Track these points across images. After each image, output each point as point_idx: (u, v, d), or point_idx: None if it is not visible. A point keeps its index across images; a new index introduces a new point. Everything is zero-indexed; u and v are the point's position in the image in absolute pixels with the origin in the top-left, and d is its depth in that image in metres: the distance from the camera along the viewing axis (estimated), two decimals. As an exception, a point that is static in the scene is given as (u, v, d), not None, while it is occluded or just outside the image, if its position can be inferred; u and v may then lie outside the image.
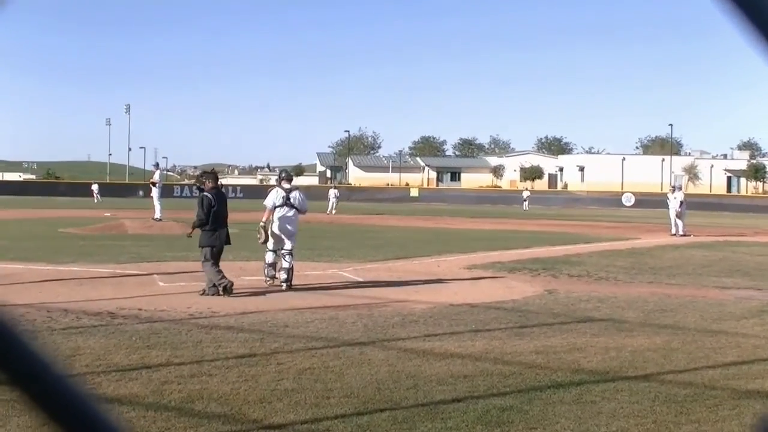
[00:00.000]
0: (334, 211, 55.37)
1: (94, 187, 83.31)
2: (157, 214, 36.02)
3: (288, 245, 16.56)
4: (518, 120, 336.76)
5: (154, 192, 37.36)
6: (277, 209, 16.65)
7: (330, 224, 42.16)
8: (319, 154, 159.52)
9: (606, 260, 23.46)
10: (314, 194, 60.53)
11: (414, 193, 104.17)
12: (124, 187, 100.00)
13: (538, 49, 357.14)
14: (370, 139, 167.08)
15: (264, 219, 16.87)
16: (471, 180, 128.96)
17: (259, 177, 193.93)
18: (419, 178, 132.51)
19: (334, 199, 57.80)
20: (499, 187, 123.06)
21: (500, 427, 7.32)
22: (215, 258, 15.12)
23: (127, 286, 15.80)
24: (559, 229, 41.52)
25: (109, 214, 46.37)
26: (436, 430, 7.19)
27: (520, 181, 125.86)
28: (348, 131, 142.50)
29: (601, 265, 21.82)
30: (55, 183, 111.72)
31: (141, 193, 36.93)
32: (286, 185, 17.04)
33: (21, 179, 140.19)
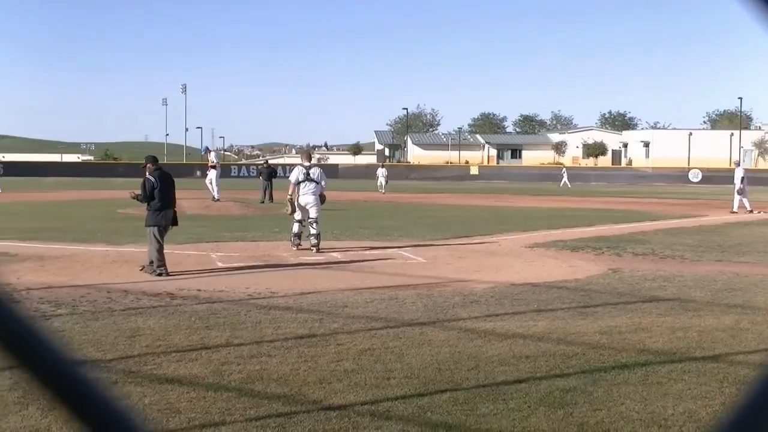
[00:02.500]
0: (383, 191, 54.59)
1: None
2: (216, 195, 36.21)
3: (313, 214, 19.02)
4: (581, 95, 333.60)
5: (212, 174, 37.47)
6: (300, 184, 19.17)
7: (388, 203, 42.09)
8: (377, 132, 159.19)
9: (672, 238, 23.03)
10: (372, 173, 60.54)
11: (474, 171, 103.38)
12: (182, 167, 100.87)
13: (602, 21, 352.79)
14: (428, 116, 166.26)
15: (289, 193, 19.36)
16: (532, 157, 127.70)
17: (317, 156, 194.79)
18: (479, 156, 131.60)
19: (383, 179, 56.88)
20: (561, 164, 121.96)
21: (563, 409, 7.15)
22: (161, 237, 15.13)
23: (185, 267, 15.82)
24: (623, 206, 40.91)
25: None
26: (497, 412, 7.04)
27: (583, 157, 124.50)
28: (406, 109, 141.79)
29: (667, 243, 21.42)
30: (113, 164, 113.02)
31: (198, 173, 37.13)
32: (307, 162, 19.91)
33: (79, 160, 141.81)
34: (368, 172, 73.55)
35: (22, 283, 13.48)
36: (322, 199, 19.57)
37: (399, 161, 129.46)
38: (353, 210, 35.31)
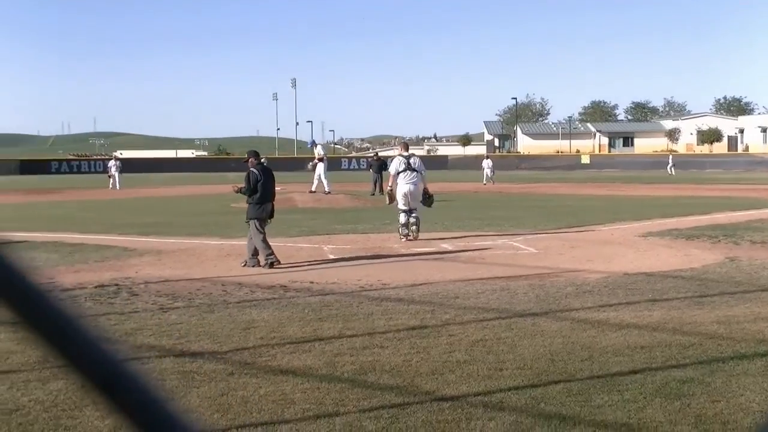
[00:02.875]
0: (489, 182, 53.81)
1: (263, 161, 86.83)
2: (326, 188, 36.55)
3: (414, 203, 19.51)
4: (694, 81, 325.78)
5: (321, 167, 37.81)
6: (401, 174, 19.70)
7: (498, 194, 41.88)
8: (486, 123, 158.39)
9: (791, 225, 22.34)
10: (481, 163, 59.87)
11: (585, 159, 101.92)
12: (292, 161, 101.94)
13: (716, 3, 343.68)
14: (538, 105, 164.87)
15: (390, 185, 20.59)
16: (645, 145, 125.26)
17: (426, 148, 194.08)
18: (590, 145, 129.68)
19: (488, 170, 56.09)
20: (675, 151, 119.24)
21: (680, 400, 7.01)
22: (263, 228, 15.38)
23: (298, 259, 16.01)
24: (740, 193, 39.86)
25: (279, 189, 47.43)
26: (612, 403, 6.94)
27: (697, 144, 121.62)
28: (515, 98, 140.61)
29: (786, 231, 20.79)
30: (225, 159, 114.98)
31: (309, 166, 37.66)
32: (405, 152, 20.35)
33: (193, 156, 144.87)
34: (478, 162, 73.12)
35: (140, 277, 13.83)
36: (429, 198, 20.17)
37: (509, 151, 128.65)
38: (463, 201, 35.24)
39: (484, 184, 52.42)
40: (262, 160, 16.60)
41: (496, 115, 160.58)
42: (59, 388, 7.23)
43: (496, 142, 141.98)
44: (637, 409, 6.79)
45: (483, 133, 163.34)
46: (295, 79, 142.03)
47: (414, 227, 19.36)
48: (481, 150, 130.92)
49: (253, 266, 15.06)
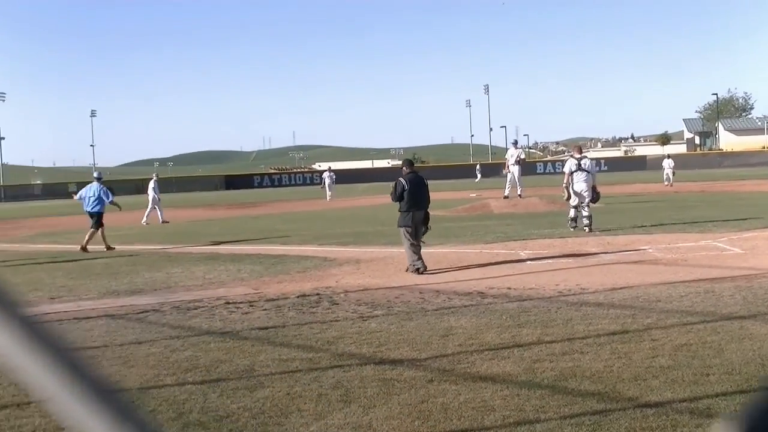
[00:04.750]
0: (669, 183, 51.64)
1: (477, 167, 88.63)
2: (519, 191, 36.22)
3: (586, 200, 22.04)
4: None
5: (516, 170, 37.37)
6: (574, 174, 22.60)
7: (700, 193, 40.56)
8: (685, 120, 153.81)
9: None
10: (682, 162, 57.89)
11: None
12: (486, 167, 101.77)
13: None
14: (741, 100, 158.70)
15: (565, 182, 22.94)
16: None
17: (623, 148, 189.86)
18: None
19: (669, 170, 53.64)
20: None
21: None
22: (414, 238, 15.62)
23: (495, 266, 15.97)
24: None
25: (474, 195, 47.48)
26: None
27: None
28: (716, 94, 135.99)
29: None
30: (420, 167, 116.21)
31: (504, 171, 37.60)
32: (577, 155, 23.22)
33: (389, 165, 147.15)
34: (678, 161, 70.80)
35: (340, 286, 14.13)
36: (596, 195, 22.51)
37: (710, 149, 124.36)
38: (662, 201, 34.33)
39: (667, 185, 50.62)
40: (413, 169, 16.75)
41: (696, 112, 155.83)
42: (266, 396, 7.48)
43: (697, 140, 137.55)
44: None
45: (683, 131, 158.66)
46: (487, 85, 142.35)
47: (586, 220, 21.85)
48: (681, 149, 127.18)
49: (412, 272, 15.40)
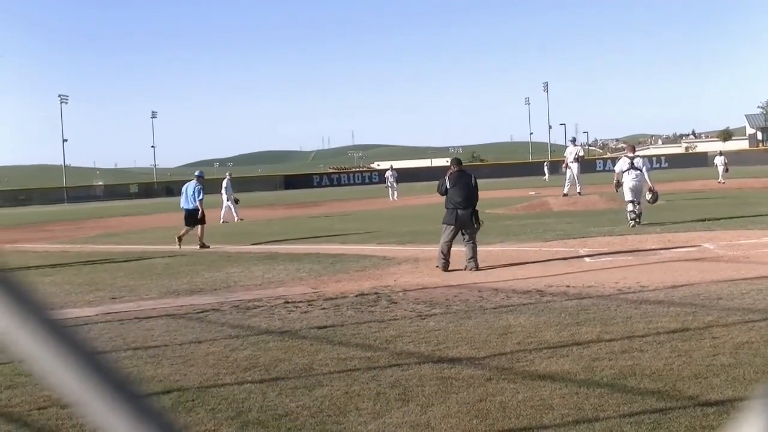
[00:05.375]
0: (722, 181, 50.20)
1: (545, 164, 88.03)
2: (578, 188, 35.94)
3: (638, 197, 22.87)
4: None
5: (575, 167, 37.03)
6: (625, 172, 23.34)
7: (762, 189, 39.93)
8: (747, 116, 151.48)
9: None
10: (743, 158, 56.76)
11: None
12: (541, 165, 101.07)
13: None
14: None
15: (615, 178, 24.05)
16: None
17: (684, 145, 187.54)
18: None
19: (722, 167, 52.10)
20: None
21: None
22: (450, 236, 15.88)
23: (554, 264, 15.90)
24: None
25: (533, 193, 47.22)
26: None
27: None
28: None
29: None
30: (479, 165, 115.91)
31: (563, 168, 37.33)
32: (630, 154, 24.34)
33: (448, 164, 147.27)
34: (740, 158, 69.69)
35: (398, 285, 14.16)
36: (654, 195, 23.95)
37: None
38: (723, 198, 33.90)
39: (721, 183, 49.40)
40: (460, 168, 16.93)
41: (758, 107, 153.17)
42: (324, 395, 7.53)
43: (759, 136, 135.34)
44: None
45: (744, 127, 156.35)
46: (547, 82, 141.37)
47: (632, 214, 22.63)
48: (744, 144, 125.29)
49: (472, 269, 15.58)
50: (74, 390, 0.79)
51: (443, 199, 16.38)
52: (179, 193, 25.71)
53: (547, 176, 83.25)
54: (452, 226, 15.97)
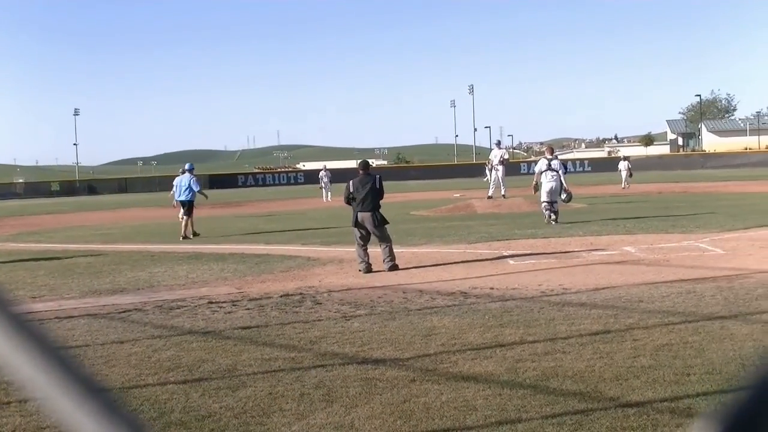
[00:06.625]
0: (626, 185, 50.43)
1: (487, 166, 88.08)
2: (503, 191, 36.24)
3: (555, 197, 24.40)
4: None
5: (500, 170, 37.34)
6: (543, 173, 24.74)
7: (682, 194, 40.72)
8: (668, 122, 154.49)
9: None
10: (665, 163, 57.89)
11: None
12: (471, 167, 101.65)
13: None
14: (723, 102, 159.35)
15: (534, 180, 25.20)
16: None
17: (607, 149, 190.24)
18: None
19: (625, 172, 52.30)
20: None
21: None
22: (358, 238, 16.30)
23: (478, 265, 16.00)
24: None
25: (458, 195, 47.52)
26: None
27: None
28: (699, 95, 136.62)
29: None
30: (405, 167, 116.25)
31: (486, 171, 37.67)
32: (548, 156, 25.58)
33: (373, 165, 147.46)
34: (661, 162, 70.82)
35: (323, 286, 14.14)
36: (568, 195, 25.02)
37: (693, 150, 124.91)
38: (644, 202, 34.46)
39: (624, 188, 49.76)
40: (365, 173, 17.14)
41: (679, 113, 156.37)
42: (248, 396, 7.48)
43: (680, 141, 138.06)
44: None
45: (666, 132, 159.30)
46: (472, 85, 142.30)
47: (553, 215, 24.07)
48: (665, 150, 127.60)
49: (391, 270, 15.79)
50: (39, 385, 0.76)
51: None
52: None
53: (486, 176, 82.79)
54: (356, 228, 16.28)
